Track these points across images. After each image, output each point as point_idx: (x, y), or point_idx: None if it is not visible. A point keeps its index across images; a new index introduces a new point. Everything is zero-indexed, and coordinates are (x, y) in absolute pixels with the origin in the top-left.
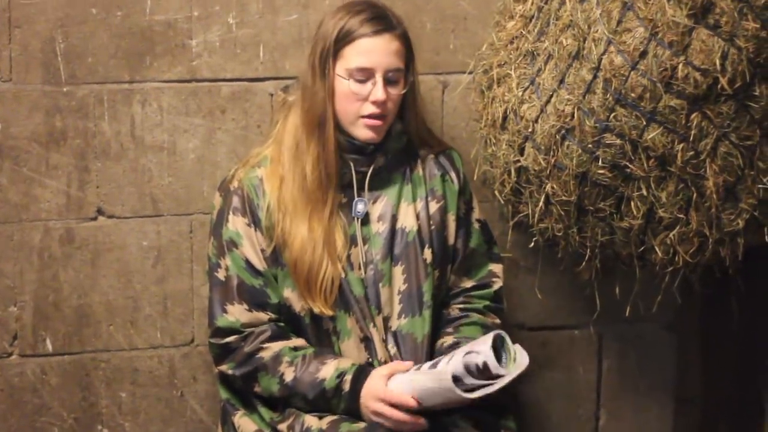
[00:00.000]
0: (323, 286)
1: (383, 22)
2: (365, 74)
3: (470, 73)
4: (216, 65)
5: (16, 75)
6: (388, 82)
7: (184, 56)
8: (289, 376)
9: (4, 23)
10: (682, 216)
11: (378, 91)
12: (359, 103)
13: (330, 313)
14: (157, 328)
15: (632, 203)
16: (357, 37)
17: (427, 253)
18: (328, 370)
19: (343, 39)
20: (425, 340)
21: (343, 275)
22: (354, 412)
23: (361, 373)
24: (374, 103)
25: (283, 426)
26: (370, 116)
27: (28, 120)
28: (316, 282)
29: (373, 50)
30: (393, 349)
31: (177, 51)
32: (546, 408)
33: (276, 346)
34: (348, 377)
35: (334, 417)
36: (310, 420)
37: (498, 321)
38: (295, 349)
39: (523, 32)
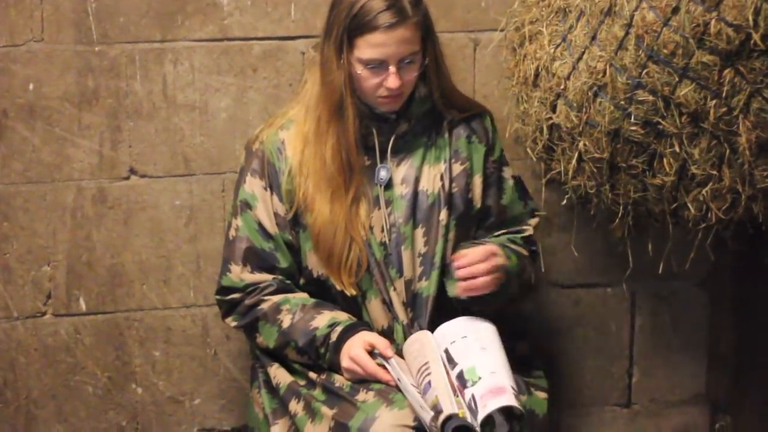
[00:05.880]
0: (348, 267)
1: (398, 13)
2: (378, 63)
3: (502, 30)
4: (247, 24)
5: (47, 35)
6: (403, 65)
7: (215, 15)
8: (286, 322)
9: None
10: (714, 172)
11: (390, 81)
12: (374, 87)
13: (353, 292)
14: (190, 287)
15: (665, 160)
16: (370, 30)
17: (443, 215)
18: (322, 319)
19: (357, 29)
20: (430, 300)
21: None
22: (335, 367)
23: (353, 327)
24: (388, 89)
25: (313, 374)
26: (387, 96)
27: (60, 80)
28: (339, 262)
29: (386, 43)
30: (411, 313)
31: (208, 10)
32: (579, 365)
33: (277, 297)
34: (339, 328)
35: None
36: (341, 378)
37: (526, 252)
38: (296, 299)
39: None
